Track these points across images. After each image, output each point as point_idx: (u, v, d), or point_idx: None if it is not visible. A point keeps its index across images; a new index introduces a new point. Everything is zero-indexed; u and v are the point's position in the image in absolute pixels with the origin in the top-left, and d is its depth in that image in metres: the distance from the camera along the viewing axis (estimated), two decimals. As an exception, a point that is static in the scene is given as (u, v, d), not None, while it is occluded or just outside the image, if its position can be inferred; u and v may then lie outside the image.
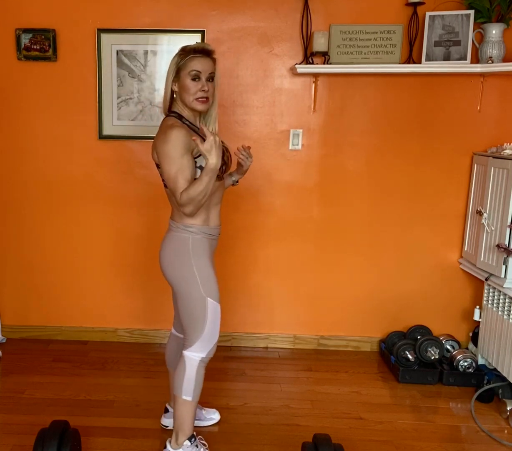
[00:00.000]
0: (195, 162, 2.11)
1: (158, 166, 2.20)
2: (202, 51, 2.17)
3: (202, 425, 2.55)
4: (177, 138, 2.06)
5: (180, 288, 2.24)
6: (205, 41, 3.13)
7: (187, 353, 2.25)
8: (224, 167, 2.22)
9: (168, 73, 2.19)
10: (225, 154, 2.24)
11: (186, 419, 2.27)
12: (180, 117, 2.19)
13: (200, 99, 2.16)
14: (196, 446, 2.28)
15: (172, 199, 2.23)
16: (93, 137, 3.28)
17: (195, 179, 2.06)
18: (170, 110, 2.23)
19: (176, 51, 2.20)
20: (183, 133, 2.08)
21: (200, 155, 2.10)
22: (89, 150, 3.30)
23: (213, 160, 1.98)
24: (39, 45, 3.16)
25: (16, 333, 3.50)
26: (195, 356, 2.24)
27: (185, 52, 2.16)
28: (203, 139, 2.07)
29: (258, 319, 3.47)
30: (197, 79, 2.14)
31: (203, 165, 2.06)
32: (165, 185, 2.22)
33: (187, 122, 2.19)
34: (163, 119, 2.23)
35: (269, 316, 3.47)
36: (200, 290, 2.20)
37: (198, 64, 2.15)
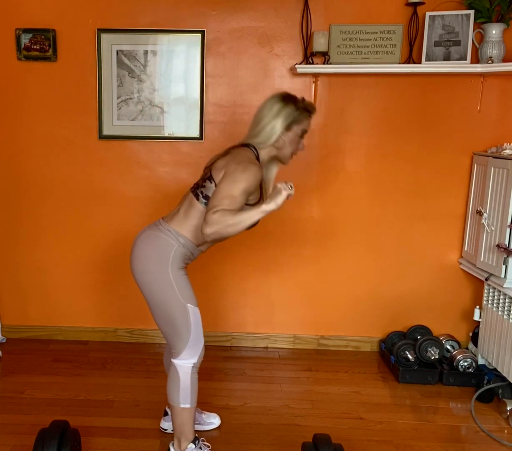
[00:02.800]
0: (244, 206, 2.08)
1: (210, 181, 2.12)
2: (314, 111, 2.24)
3: (202, 430, 2.54)
4: (253, 177, 2.04)
5: (155, 296, 2.17)
6: (205, 41, 3.14)
7: (177, 362, 2.22)
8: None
9: (276, 118, 2.16)
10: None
11: (187, 424, 2.26)
12: (257, 157, 2.18)
13: (293, 155, 2.24)
14: (200, 448, 2.28)
15: (189, 208, 2.17)
16: (93, 137, 3.28)
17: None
18: (247, 144, 2.21)
19: (282, 98, 2.18)
20: (259, 177, 2.08)
21: (250, 204, 2.11)
22: (89, 150, 3.30)
23: (274, 202, 1.96)
24: (39, 45, 3.16)
25: (16, 333, 3.50)
26: (186, 363, 2.21)
27: (304, 109, 2.18)
28: (261, 189, 2.16)
29: (258, 319, 3.47)
30: (302, 137, 2.23)
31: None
32: (196, 196, 2.15)
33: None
34: (243, 147, 2.19)
35: (269, 316, 3.47)
36: (178, 296, 2.14)
37: (309, 124, 2.24)
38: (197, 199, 2.16)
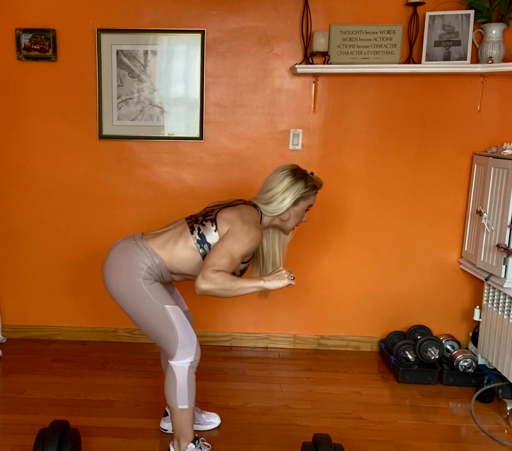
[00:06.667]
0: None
1: (212, 221, 2.16)
2: (321, 187, 2.33)
3: (202, 430, 2.53)
4: (255, 241, 2.12)
5: (131, 304, 2.17)
6: (205, 41, 3.14)
7: (173, 363, 2.21)
8: (244, 270, 2.28)
9: (287, 191, 2.22)
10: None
11: (186, 425, 2.26)
12: (260, 219, 2.24)
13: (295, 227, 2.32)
14: (200, 448, 2.28)
15: (180, 237, 2.18)
16: (93, 137, 3.28)
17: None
18: (255, 205, 2.26)
19: (294, 173, 2.25)
20: (259, 242, 2.16)
21: (245, 262, 2.19)
22: (89, 150, 3.30)
23: (274, 285, 2.06)
24: (39, 45, 3.16)
25: (16, 332, 3.50)
26: (182, 364, 2.20)
27: (313, 186, 2.27)
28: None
29: (258, 319, 3.47)
30: (306, 211, 2.33)
31: (240, 269, 2.20)
32: (192, 229, 2.17)
33: None
34: (251, 207, 2.24)
35: (269, 316, 3.47)
36: (153, 301, 2.14)
37: (314, 200, 2.34)
38: (191, 233, 2.17)
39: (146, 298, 2.14)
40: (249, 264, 2.30)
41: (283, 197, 2.23)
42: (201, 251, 2.15)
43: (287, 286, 2.08)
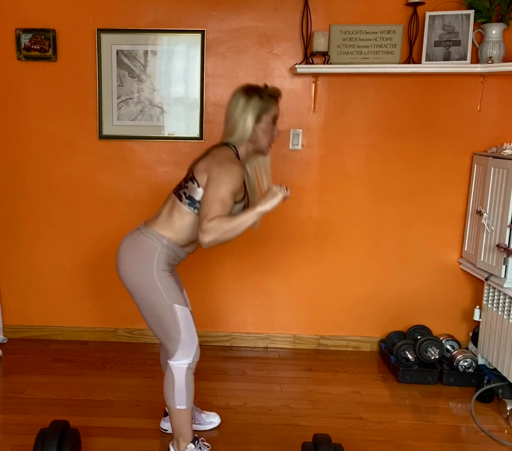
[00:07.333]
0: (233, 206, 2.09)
1: (193, 181, 2.13)
2: (279, 96, 2.21)
3: (202, 429, 2.53)
4: (236, 177, 2.05)
5: (142, 297, 2.18)
6: (205, 41, 3.14)
7: (172, 363, 2.21)
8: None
9: (244, 113, 2.14)
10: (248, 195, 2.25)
11: (185, 425, 2.26)
12: (237, 155, 2.18)
13: (271, 144, 2.22)
14: (200, 448, 2.28)
15: (172, 211, 2.18)
16: (93, 137, 3.28)
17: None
18: (226, 143, 2.21)
19: (245, 91, 2.17)
20: (241, 174, 2.08)
21: (237, 202, 2.11)
22: (89, 150, 3.30)
23: (270, 204, 1.98)
24: (39, 45, 3.16)
25: (17, 332, 3.50)
26: (181, 364, 2.21)
27: (268, 96, 2.16)
28: (245, 187, 2.16)
29: (258, 319, 3.47)
30: (274, 124, 2.19)
31: (239, 209, 2.11)
32: (179, 197, 2.15)
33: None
34: (222, 147, 2.19)
35: (269, 316, 3.47)
36: (163, 297, 2.14)
37: (278, 110, 2.20)
38: (180, 200, 2.16)
39: (157, 293, 2.14)
40: (246, 202, 2.22)
41: (244, 119, 2.14)
42: (196, 211, 2.12)
43: (284, 199, 1.99)
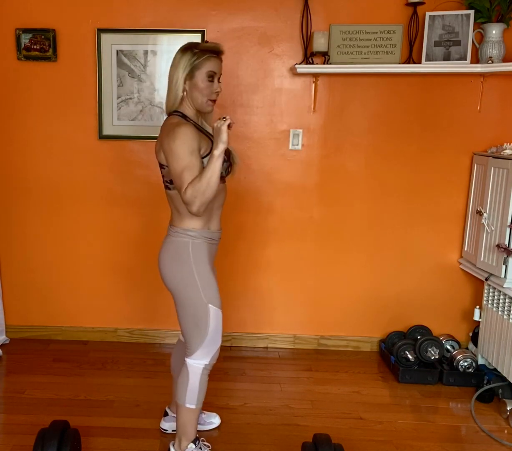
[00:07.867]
0: (202, 162, 2.07)
1: (162, 166, 2.15)
2: (218, 51, 2.16)
3: (202, 430, 2.54)
4: (185, 135, 2.03)
5: (180, 294, 2.20)
6: (205, 41, 3.13)
7: (190, 361, 2.23)
8: (229, 168, 2.19)
9: (177, 70, 2.11)
10: (231, 155, 2.21)
11: (190, 425, 2.26)
12: (184, 116, 2.15)
13: (212, 100, 2.16)
14: (200, 448, 2.28)
15: (173, 203, 2.20)
16: (93, 137, 3.28)
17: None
18: (171, 112, 2.19)
19: (182, 48, 2.14)
20: (191, 130, 2.05)
21: (207, 155, 2.07)
22: (89, 150, 3.30)
23: (221, 142, 1.96)
24: (39, 45, 3.16)
25: (17, 332, 3.50)
26: (198, 364, 2.22)
27: (201, 51, 2.11)
28: (209, 138, 2.12)
29: (258, 319, 3.47)
30: (211, 80, 2.13)
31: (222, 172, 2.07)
32: (166, 187, 2.19)
33: (191, 122, 2.15)
34: (167, 118, 2.18)
35: (269, 316, 3.47)
36: (201, 295, 2.17)
37: (214, 65, 2.14)
38: (169, 188, 2.18)
39: (195, 290, 2.16)
40: (225, 163, 2.11)
41: (176, 77, 2.11)
42: None
43: (230, 128, 1.98)
